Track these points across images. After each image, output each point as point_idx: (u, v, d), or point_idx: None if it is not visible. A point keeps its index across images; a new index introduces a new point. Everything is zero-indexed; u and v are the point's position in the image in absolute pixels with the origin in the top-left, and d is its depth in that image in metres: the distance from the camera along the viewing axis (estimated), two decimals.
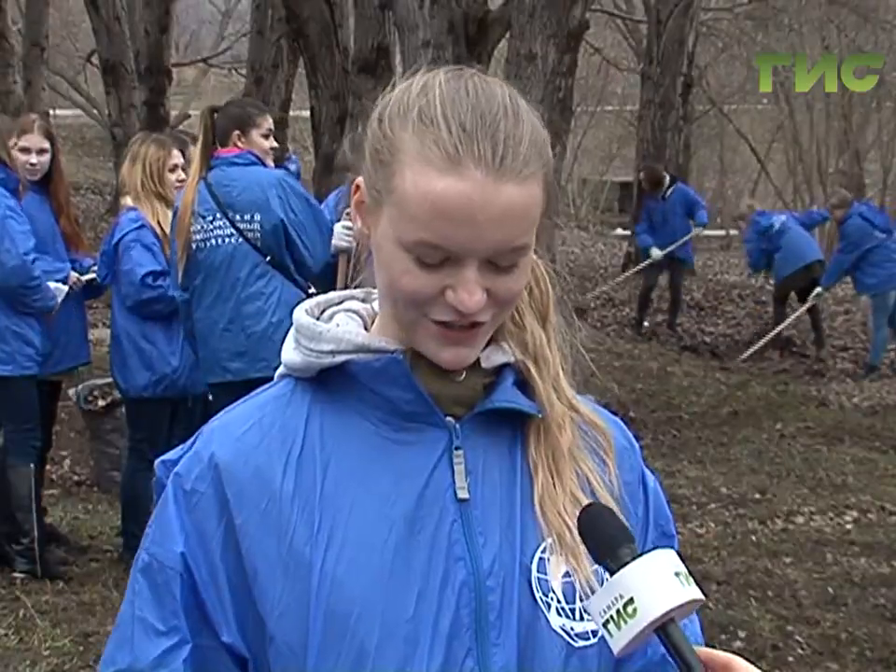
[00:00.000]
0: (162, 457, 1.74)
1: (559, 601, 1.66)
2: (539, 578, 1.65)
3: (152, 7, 19.94)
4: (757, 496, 9.08)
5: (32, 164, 6.95)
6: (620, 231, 33.62)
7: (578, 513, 1.64)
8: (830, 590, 7.00)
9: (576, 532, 1.64)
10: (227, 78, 37.51)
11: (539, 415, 1.72)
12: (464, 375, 1.69)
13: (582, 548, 1.63)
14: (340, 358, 1.68)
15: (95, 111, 32.22)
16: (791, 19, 28.46)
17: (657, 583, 1.50)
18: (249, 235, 6.40)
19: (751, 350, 14.93)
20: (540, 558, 1.66)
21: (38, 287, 6.71)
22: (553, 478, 1.69)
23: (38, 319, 6.84)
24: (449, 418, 1.68)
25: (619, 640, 1.51)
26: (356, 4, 15.43)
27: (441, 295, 1.59)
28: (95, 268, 7.19)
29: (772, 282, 16.43)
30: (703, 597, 1.55)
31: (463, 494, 1.65)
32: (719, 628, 6.33)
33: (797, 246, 15.14)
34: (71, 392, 8.58)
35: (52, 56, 27.91)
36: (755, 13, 27.58)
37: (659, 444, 10.94)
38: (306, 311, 1.76)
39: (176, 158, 7.01)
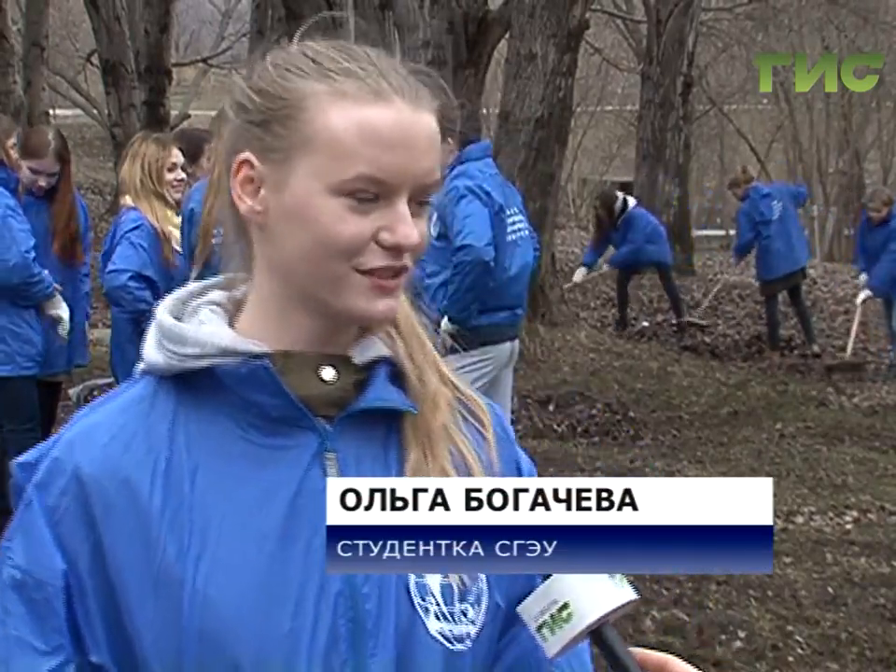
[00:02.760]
0: (19, 460, 1.64)
1: (438, 604, 1.62)
2: (417, 581, 1.61)
3: (152, 6, 19.98)
4: None
5: (40, 186, 6.98)
6: None
7: None
8: (830, 590, 6.99)
9: None
10: (227, 78, 37.42)
11: (414, 411, 1.66)
12: (334, 374, 1.63)
13: None
14: (204, 363, 1.60)
15: (95, 111, 32.23)
16: (790, 19, 28.46)
17: (592, 587, 1.49)
18: None
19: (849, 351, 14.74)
20: None
21: (40, 282, 6.72)
22: (425, 457, 1.64)
23: (39, 319, 6.85)
24: (321, 420, 1.62)
25: (553, 645, 1.49)
26: (355, 4, 15.42)
27: (372, 241, 1.55)
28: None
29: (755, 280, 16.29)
30: (637, 597, 1.54)
31: None
32: (718, 628, 6.32)
33: (791, 247, 15.04)
34: (71, 392, 8.57)
35: (52, 56, 27.91)
36: (755, 13, 27.58)
37: (659, 444, 10.93)
38: (167, 309, 1.68)
39: (176, 157, 6.96)
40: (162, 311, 1.68)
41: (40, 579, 1.55)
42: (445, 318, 6.94)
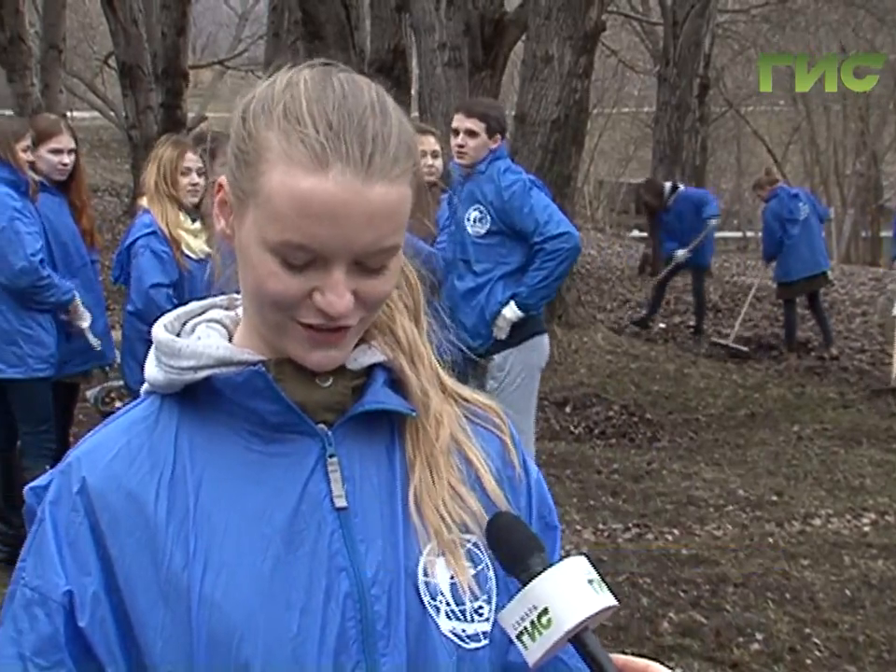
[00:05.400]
0: (31, 484, 1.67)
1: (448, 604, 1.62)
2: (426, 581, 1.62)
3: (169, 9, 20.05)
4: (774, 498, 9.06)
5: (64, 164, 7.00)
6: (636, 232, 33.65)
7: (459, 508, 1.64)
8: (847, 592, 6.98)
9: (454, 529, 1.63)
10: (243, 81, 37.60)
11: (413, 414, 1.68)
12: (330, 381, 1.64)
13: (462, 547, 1.63)
14: (201, 374, 1.62)
15: (112, 113, 32.35)
16: (807, 21, 28.42)
17: (571, 592, 1.48)
18: None
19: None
20: (427, 560, 1.63)
21: (49, 286, 6.72)
22: (430, 474, 1.66)
23: (53, 321, 6.85)
24: (321, 426, 1.63)
25: (534, 652, 1.48)
26: (372, 6, 15.46)
27: (307, 297, 1.55)
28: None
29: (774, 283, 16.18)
30: (617, 603, 1.52)
31: (341, 502, 1.61)
32: (736, 630, 6.32)
33: (812, 251, 15.04)
34: (88, 394, 8.60)
35: (70, 58, 28.01)
36: (771, 15, 27.57)
37: (676, 446, 10.92)
38: (165, 326, 1.70)
39: (190, 161, 6.90)
40: (159, 327, 1.70)
41: (45, 594, 1.58)
42: (511, 306, 7.09)
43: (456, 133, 7.09)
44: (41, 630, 1.57)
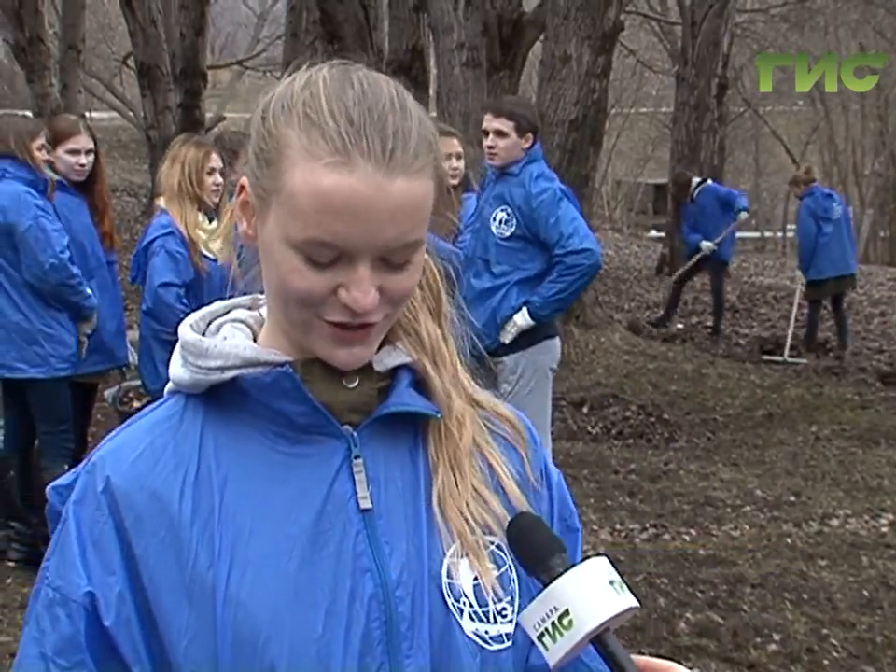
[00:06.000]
0: (54, 484, 1.68)
1: (471, 605, 1.63)
2: (449, 583, 1.62)
3: (188, 9, 20.10)
4: (792, 498, 9.04)
5: (81, 165, 6.99)
6: (654, 232, 33.65)
7: (482, 510, 1.64)
8: (865, 593, 6.96)
9: (478, 530, 1.63)
10: (261, 81, 37.71)
11: (438, 415, 1.68)
12: (357, 381, 1.65)
13: (486, 549, 1.63)
14: (228, 374, 1.63)
15: (131, 113, 32.46)
16: (826, 20, 28.36)
17: (592, 594, 1.47)
18: None
19: None
20: (451, 562, 1.63)
21: (77, 286, 6.73)
22: (454, 476, 1.66)
23: (73, 320, 6.86)
24: (346, 427, 1.63)
25: (555, 653, 1.48)
26: (390, 6, 15.47)
27: (332, 294, 1.55)
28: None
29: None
30: (638, 605, 1.52)
31: (365, 504, 1.61)
32: (753, 631, 6.31)
33: (843, 252, 15.00)
34: (107, 393, 8.61)
35: (88, 59, 28.08)
36: (790, 15, 27.51)
37: (693, 447, 10.91)
38: (191, 326, 1.71)
39: (215, 161, 6.93)
40: (185, 328, 1.70)
41: (66, 595, 1.59)
42: (524, 313, 7.04)
43: (486, 133, 7.03)
44: (62, 630, 1.58)
